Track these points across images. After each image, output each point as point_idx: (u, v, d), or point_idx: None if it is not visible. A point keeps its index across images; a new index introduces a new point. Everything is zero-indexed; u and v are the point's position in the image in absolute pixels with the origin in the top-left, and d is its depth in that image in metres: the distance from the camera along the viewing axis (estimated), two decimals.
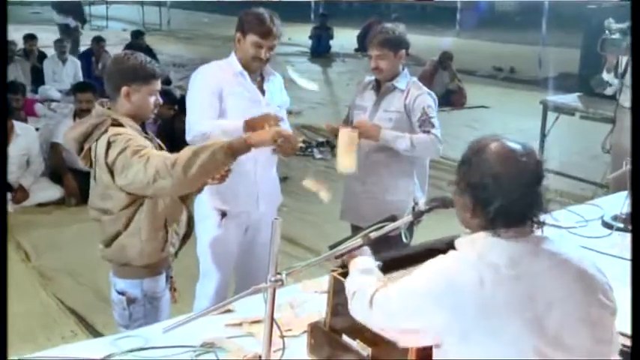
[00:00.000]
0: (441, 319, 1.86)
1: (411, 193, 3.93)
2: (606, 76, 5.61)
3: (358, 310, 2.13)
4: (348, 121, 4.12)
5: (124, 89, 2.97)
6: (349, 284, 2.22)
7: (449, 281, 1.87)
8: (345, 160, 3.67)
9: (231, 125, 3.46)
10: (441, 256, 1.99)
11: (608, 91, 5.78)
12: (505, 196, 1.88)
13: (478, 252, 1.91)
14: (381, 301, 2.02)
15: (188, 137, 3.59)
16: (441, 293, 1.87)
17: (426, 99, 3.93)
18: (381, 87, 4.02)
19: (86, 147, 2.95)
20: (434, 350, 1.96)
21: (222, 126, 3.49)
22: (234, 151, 2.80)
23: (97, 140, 2.91)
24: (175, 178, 2.72)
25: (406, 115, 3.91)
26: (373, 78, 4.08)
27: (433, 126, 3.85)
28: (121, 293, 3.09)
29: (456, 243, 2.02)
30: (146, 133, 3.12)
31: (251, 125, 3.39)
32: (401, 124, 3.91)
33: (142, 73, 3.00)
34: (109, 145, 2.84)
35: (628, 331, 2.13)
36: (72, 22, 13.95)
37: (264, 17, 3.60)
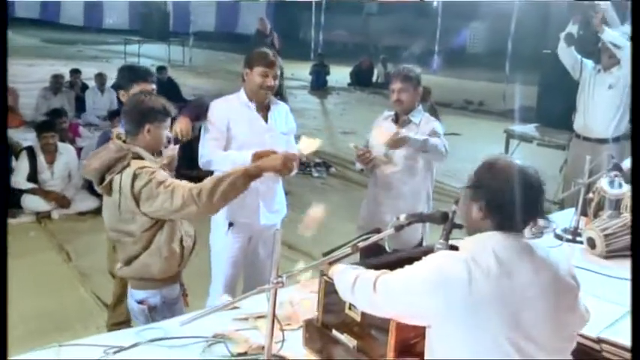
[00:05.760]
0: (433, 305, 1.86)
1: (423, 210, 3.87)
2: (571, 27, 5.63)
3: (362, 294, 2.10)
4: (367, 146, 4.08)
5: (147, 126, 2.94)
6: (345, 275, 2.20)
7: (443, 274, 1.87)
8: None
9: (240, 157, 3.48)
10: (440, 253, 2.01)
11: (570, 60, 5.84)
12: (516, 202, 1.91)
13: (472, 251, 1.92)
14: (384, 285, 2.01)
15: (200, 163, 3.70)
16: (435, 283, 1.86)
17: (434, 124, 3.99)
18: (399, 120, 4.02)
19: (108, 178, 2.88)
20: (426, 330, 1.95)
21: (232, 157, 3.54)
22: (251, 177, 2.89)
23: (120, 172, 2.85)
24: (202, 205, 2.74)
25: None
26: (392, 113, 4.08)
27: (440, 136, 3.88)
28: (141, 302, 3.02)
29: (459, 243, 2.06)
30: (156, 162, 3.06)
31: (258, 157, 3.39)
32: (412, 153, 3.91)
33: (162, 113, 2.99)
34: (134, 177, 2.80)
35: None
36: None
37: (267, 52, 3.73)
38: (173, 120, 3.78)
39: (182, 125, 3.65)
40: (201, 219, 3.14)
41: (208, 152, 3.65)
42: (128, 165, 2.86)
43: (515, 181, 1.93)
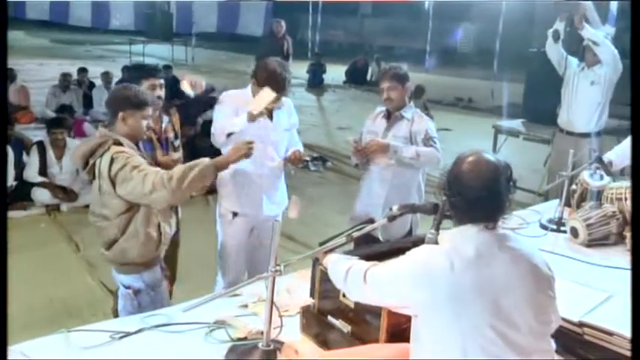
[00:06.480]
0: (419, 297, 1.86)
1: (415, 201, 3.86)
2: (559, 24, 5.64)
3: (353, 285, 2.10)
4: (360, 141, 4.04)
5: (120, 114, 2.93)
6: (338, 265, 2.20)
7: (426, 266, 1.87)
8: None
9: (238, 120, 3.48)
10: (423, 247, 1.99)
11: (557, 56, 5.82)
12: (480, 199, 1.90)
13: (453, 243, 1.91)
14: (373, 277, 2.01)
15: (215, 143, 3.63)
16: (420, 276, 1.86)
17: (427, 123, 3.94)
18: (391, 116, 3.99)
19: (91, 162, 2.90)
20: (412, 319, 1.95)
21: (232, 121, 3.52)
22: (218, 167, 2.92)
23: (100, 156, 2.87)
24: (171, 190, 2.73)
25: (410, 140, 3.87)
26: (384, 108, 4.03)
27: (434, 142, 3.85)
28: (127, 287, 3.04)
29: (439, 236, 2.05)
30: (140, 151, 3.05)
31: (252, 117, 3.43)
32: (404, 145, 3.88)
33: (135, 101, 2.96)
34: (112, 160, 2.82)
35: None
36: None
37: (277, 76, 3.50)
38: (169, 111, 3.78)
39: (195, 78, 3.62)
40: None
41: (220, 130, 3.59)
42: (108, 149, 2.86)
43: (481, 178, 1.90)
